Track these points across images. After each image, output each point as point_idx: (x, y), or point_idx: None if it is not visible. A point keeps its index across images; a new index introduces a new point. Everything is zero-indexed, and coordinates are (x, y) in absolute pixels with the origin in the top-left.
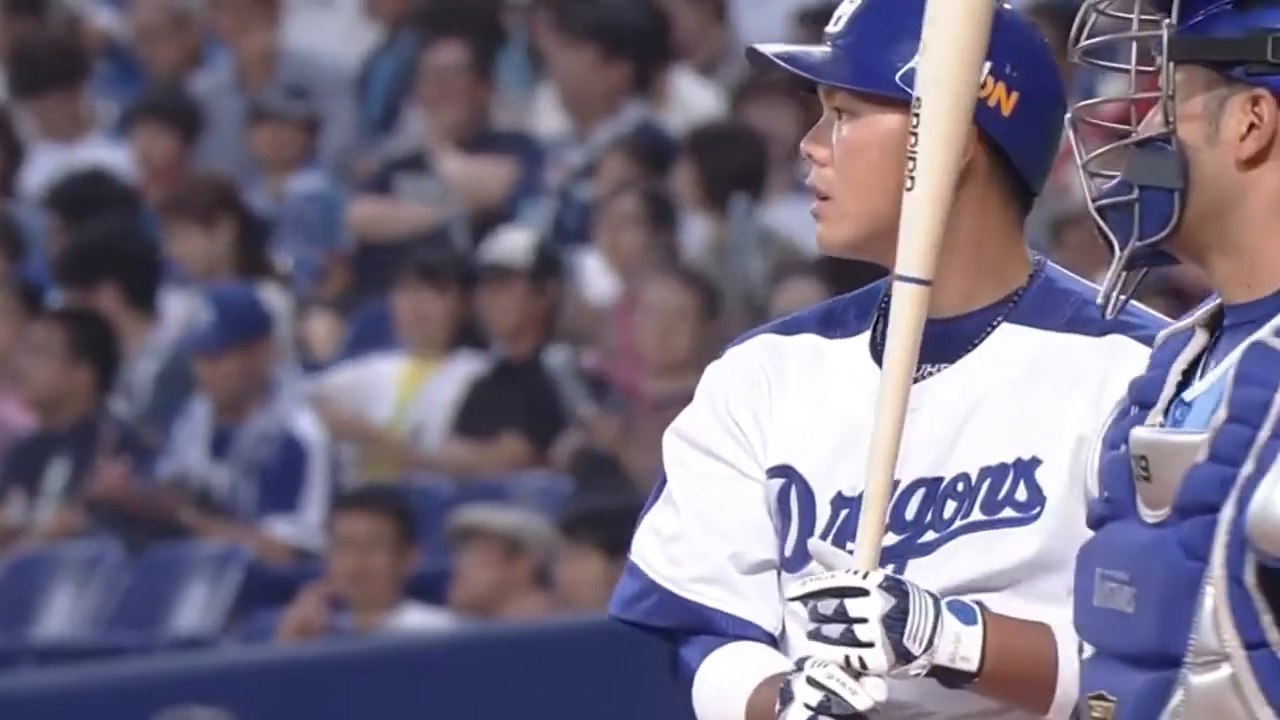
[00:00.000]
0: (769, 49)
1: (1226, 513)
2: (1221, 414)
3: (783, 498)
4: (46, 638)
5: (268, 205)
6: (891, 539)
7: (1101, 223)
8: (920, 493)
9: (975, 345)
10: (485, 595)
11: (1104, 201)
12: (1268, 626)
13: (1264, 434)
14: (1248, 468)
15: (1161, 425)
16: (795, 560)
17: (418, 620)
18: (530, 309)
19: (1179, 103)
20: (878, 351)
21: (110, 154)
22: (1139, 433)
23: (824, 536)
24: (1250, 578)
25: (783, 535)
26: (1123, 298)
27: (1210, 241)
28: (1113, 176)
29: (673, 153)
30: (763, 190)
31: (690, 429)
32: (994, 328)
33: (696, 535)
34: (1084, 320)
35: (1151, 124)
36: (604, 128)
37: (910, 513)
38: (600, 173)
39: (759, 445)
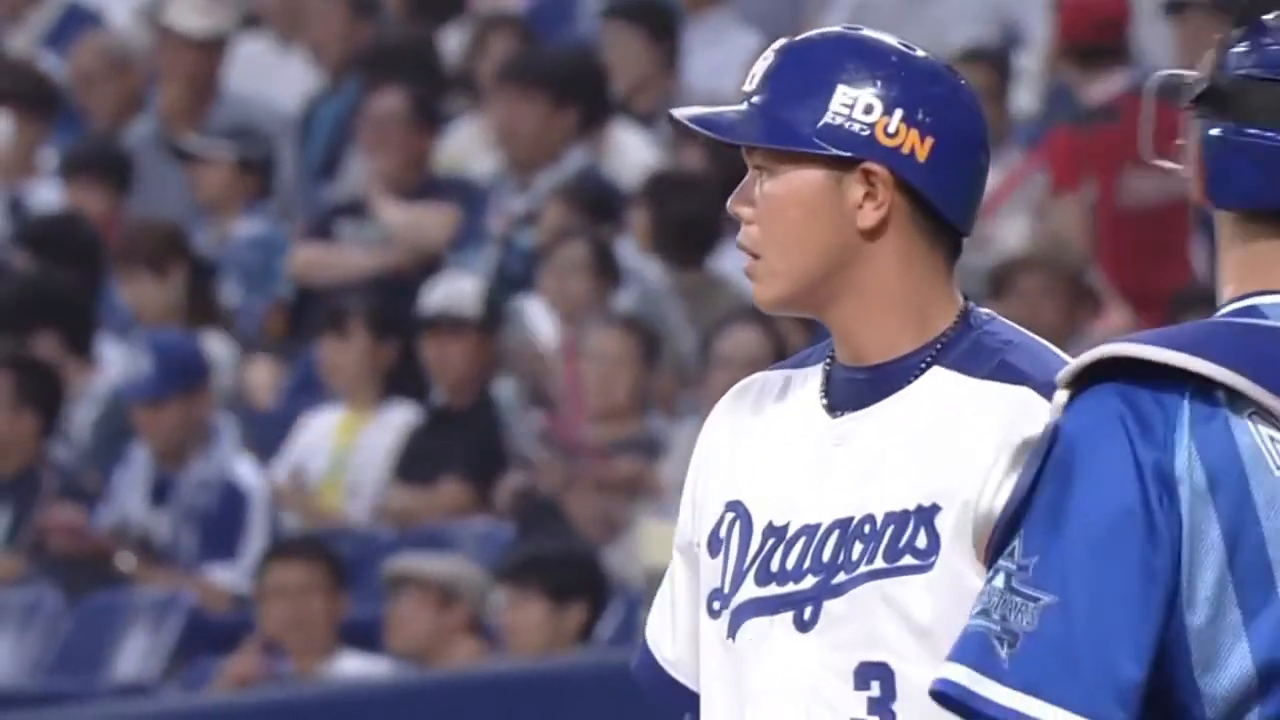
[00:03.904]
0: (683, 113)
1: None
2: None
3: (729, 530)
4: None
5: (211, 249)
6: (810, 580)
7: None
8: (836, 534)
9: (903, 387)
10: (421, 642)
11: None
12: None
13: None
14: None
15: None
16: (727, 594)
17: (354, 667)
18: (478, 357)
19: None
20: (827, 388)
21: (51, 198)
22: None
23: (750, 565)
24: None
25: (722, 569)
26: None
27: None
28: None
29: (614, 200)
30: (715, 238)
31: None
32: (923, 370)
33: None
34: (1003, 368)
35: None
36: (545, 175)
37: (827, 554)
38: (542, 220)
39: (706, 496)
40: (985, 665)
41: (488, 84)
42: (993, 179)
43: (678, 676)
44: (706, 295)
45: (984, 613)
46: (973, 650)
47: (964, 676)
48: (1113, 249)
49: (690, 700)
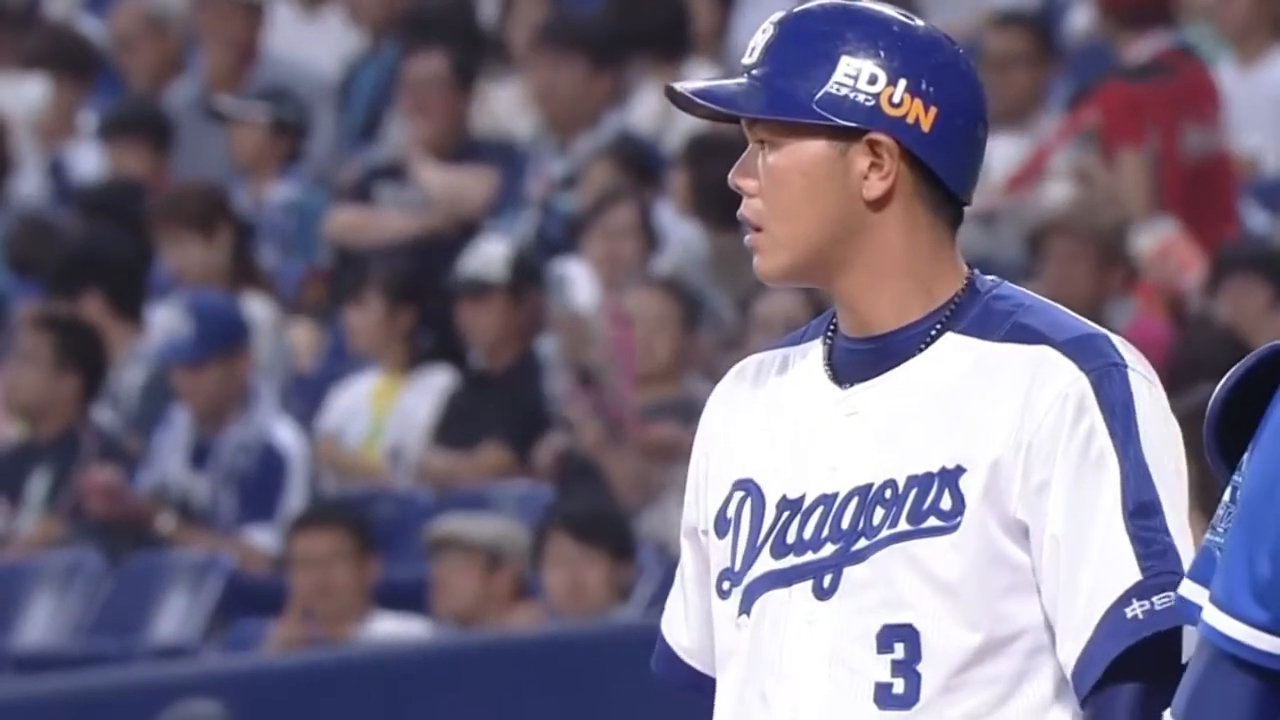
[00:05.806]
0: (685, 86)
1: None
2: None
3: (739, 508)
4: (26, 646)
5: (249, 212)
6: (830, 549)
7: None
8: (855, 501)
9: (916, 354)
10: (469, 606)
11: None
12: None
13: None
14: None
15: None
16: (738, 571)
17: (389, 629)
18: (508, 322)
19: None
20: (830, 361)
21: (92, 161)
22: None
23: (765, 539)
24: None
25: (732, 548)
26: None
27: None
28: None
29: (655, 162)
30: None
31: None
32: (934, 337)
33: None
34: (1019, 330)
35: None
36: (584, 138)
37: (846, 521)
38: (583, 183)
39: (711, 479)
40: (1203, 575)
41: (525, 46)
42: (1037, 141)
43: (696, 665)
44: (746, 258)
45: (1212, 527)
46: (1197, 563)
47: (1185, 588)
48: (1175, 201)
49: (712, 688)
